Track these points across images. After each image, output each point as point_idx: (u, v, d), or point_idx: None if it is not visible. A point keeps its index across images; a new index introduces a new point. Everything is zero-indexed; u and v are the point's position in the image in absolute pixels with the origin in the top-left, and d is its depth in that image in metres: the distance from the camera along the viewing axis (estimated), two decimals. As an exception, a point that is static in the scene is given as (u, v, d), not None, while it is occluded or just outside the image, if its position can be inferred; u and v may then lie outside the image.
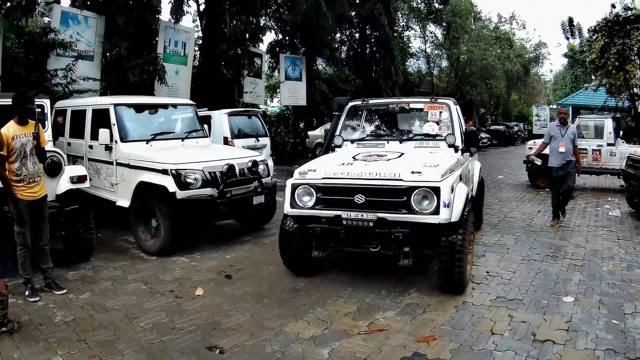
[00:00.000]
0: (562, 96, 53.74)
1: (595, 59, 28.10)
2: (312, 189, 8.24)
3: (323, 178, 8.20)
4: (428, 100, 10.30)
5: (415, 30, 52.12)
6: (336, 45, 39.89)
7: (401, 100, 11.13)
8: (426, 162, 8.15)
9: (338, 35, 39.82)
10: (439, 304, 7.74)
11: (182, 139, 12.29)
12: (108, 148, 11.32)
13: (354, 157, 8.96)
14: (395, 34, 41.23)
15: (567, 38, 62.97)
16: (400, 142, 9.81)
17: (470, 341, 6.46)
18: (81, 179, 9.71)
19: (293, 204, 8.37)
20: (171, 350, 6.30)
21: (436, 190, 7.47)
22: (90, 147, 12.13)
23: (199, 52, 27.52)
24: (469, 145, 9.84)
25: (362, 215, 7.84)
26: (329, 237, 8.32)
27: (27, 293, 8.01)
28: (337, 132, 10.35)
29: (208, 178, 10.34)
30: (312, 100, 34.28)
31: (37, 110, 9.34)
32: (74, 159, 12.56)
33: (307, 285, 8.58)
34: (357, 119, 10.97)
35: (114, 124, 11.33)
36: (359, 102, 10.86)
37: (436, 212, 7.46)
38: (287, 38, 34.17)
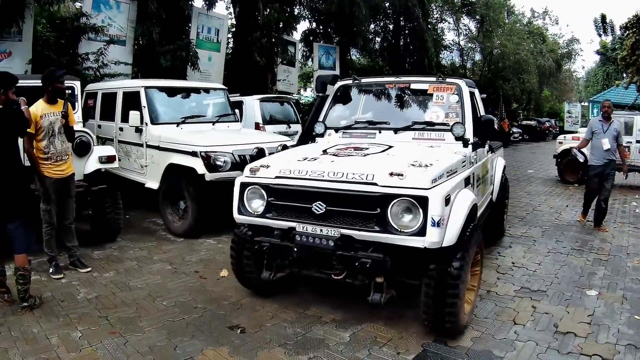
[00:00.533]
0: (594, 93, 53.26)
1: (626, 56, 27.83)
2: (262, 191, 6.34)
3: (276, 177, 6.24)
4: (434, 79, 8.18)
5: (449, 23, 51.77)
6: (370, 36, 39.69)
7: (401, 79, 8.58)
8: (417, 159, 6.09)
9: (372, 26, 39.60)
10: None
11: (213, 123, 12.23)
12: (138, 130, 11.41)
13: (324, 151, 6.92)
14: (429, 25, 41.02)
15: (600, 35, 62.38)
16: (395, 132, 7.70)
17: (492, 330, 6.44)
18: (110, 159, 9.73)
19: (241, 210, 6.54)
20: (192, 328, 6.34)
21: (422, 202, 5.40)
22: (121, 129, 12.17)
23: (232, 40, 27.43)
24: (486, 137, 8.15)
25: (320, 231, 5.84)
26: (281, 255, 6.42)
27: (51, 270, 8.16)
28: (321, 118, 8.49)
29: (237, 161, 10.15)
30: (345, 90, 33.59)
31: (67, 91, 9.38)
32: (103, 141, 12.59)
33: None
34: (347, 102, 9.08)
35: (144, 106, 11.35)
36: (349, 81, 8.79)
37: (422, 232, 5.37)
38: (321, 27, 33.87)
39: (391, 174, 5.61)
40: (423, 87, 8.25)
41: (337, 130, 8.26)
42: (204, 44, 21.71)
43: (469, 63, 56.44)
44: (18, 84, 7.10)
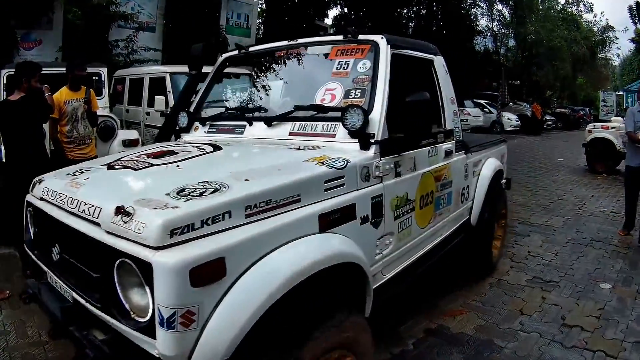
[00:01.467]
0: (629, 82, 52.71)
1: (661, 44, 27.50)
2: (29, 215, 4.29)
3: (40, 198, 3.98)
4: (340, 38, 5.11)
5: (482, 8, 51.53)
6: (403, 22, 39.63)
7: (297, 42, 5.52)
8: (217, 177, 3.31)
9: (405, 11, 39.56)
10: (473, 281, 7.44)
11: None
12: (163, 115, 11.26)
13: (118, 159, 4.37)
14: (462, 11, 40.90)
15: (635, 23, 61.56)
16: (269, 125, 4.90)
17: (497, 319, 6.30)
18: (133, 142, 9.87)
19: (25, 237, 4.40)
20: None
21: (147, 272, 2.63)
22: (147, 113, 12.29)
23: (262, 25, 27.39)
24: (418, 131, 4.70)
25: (59, 287, 3.67)
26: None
27: None
28: (194, 106, 6.14)
29: None
30: (375, 75, 33.65)
31: (94, 77, 9.62)
32: (132, 125, 12.81)
33: None
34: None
35: (169, 92, 11.47)
36: (234, 53, 6.25)
37: (150, 329, 2.68)
38: (352, 12, 33.59)
39: (118, 211, 2.92)
40: (324, 50, 5.26)
41: (204, 123, 5.75)
42: (234, 29, 21.87)
43: (502, 49, 56.14)
44: (44, 72, 7.31)
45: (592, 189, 15.23)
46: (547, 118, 40.48)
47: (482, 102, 36.77)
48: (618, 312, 6.63)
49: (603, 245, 9.60)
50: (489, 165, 7.30)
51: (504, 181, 8.28)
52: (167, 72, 11.93)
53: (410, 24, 40.67)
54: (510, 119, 34.89)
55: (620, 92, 49.33)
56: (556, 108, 53.15)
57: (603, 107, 50.64)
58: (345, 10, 33.45)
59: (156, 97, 11.33)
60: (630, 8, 59.94)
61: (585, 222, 11.46)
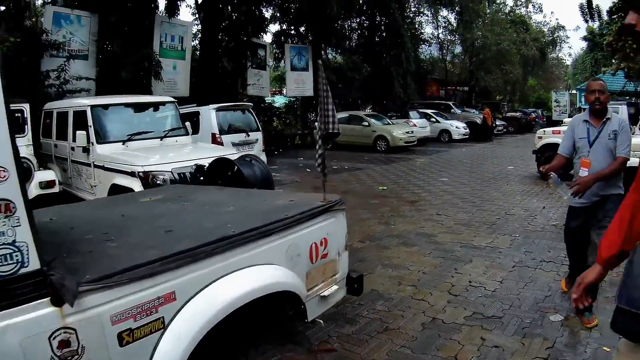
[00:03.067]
0: (582, 81, 53.35)
1: (613, 41, 27.79)
2: None
3: None
4: None
5: (427, 16, 51.98)
6: (346, 33, 39.77)
7: None
8: None
9: (347, 22, 39.67)
10: (405, 320, 6.74)
11: (161, 138, 12.09)
12: (86, 150, 11.26)
13: None
14: (406, 20, 41.06)
15: (586, 21, 62.23)
16: None
17: None
18: (50, 184, 10.00)
19: None
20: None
21: None
22: (72, 148, 12.09)
23: (199, 46, 27.49)
24: None
25: None
26: None
27: None
28: None
29: (177, 179, 9.90)
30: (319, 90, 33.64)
31: (16, 115, 9.46)
32: (59, 161, 12.81)
33: None
34: None
35: (90, 126, 11.29)
36: None
37: None
38: (292, 28, 34.01)
39: None
40: None
41: None
42: (168, 52, 21.71)
43: (448, 56, 56.66)
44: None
45: (544, 200, 14.97)
46: (497, 123, 40.67)
47: (429, 111, 36.99)
48: (569, 350, 6.14)
49: (554, 267, 9.07)
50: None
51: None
52: (87, 105, 11.65)
53: (353, 35, 40.79)
54: (458, 127, 35.04)
55: (574, 91, 49.89)
56: (507, 112, 53.63)
57: (556, 107, 51.14)
58: (285, 26, 33.81)
59: (77, 132, 11.10)
60: (581, 6, 60.61)
61: (535, 239, 10.93)
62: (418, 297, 7.47)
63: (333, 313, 6.65)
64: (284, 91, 36.68)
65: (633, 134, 16.95)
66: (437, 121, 35.73)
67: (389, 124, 30.47)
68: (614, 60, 31.33)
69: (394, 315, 6.87)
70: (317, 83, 25.56)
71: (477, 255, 9.58)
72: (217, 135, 16.08)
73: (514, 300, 7.48)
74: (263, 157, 15.62)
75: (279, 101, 40.59)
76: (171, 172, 9.89)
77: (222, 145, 15.27)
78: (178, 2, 22.60)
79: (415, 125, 32.03)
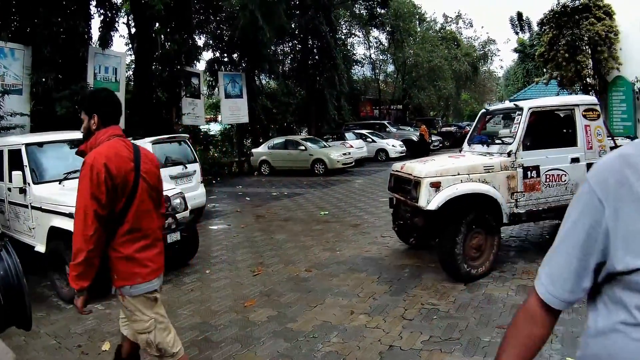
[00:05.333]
0: (514, 92, 54.67)
1: (544, 52, 28.75)
2: None
3: None
4: None
5: (358, 37, 52.91)
6: (280, 58, 40.37)
7: None
8: None
9: (280, 47, 40.22)
10: (362, 351, 6.64)
11: None
12: (22, 191, 10.93)
13: None
14: (338, 42, 41.69)
15: (517, 33, 63.97)
16: None
17: None
18: None
19: None
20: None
21: None
22: (9, 189, 11.67)
23: (133, 77, 27.53)
24: None
25: None
26: None
27: None
28: None
29: None
30: (255, 116, 34.39)
31: None
32: None
33: (222, 332, 7.63)
34: None
35: (26, 165, 11.03)
36: None
37: None
38: (225, 55, 34.34)
39: None
40: None
41: None
42: (102, 84, 21.40)
43: (381, 76, 57.48)
44: None
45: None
46: (433, 139, 41.42)
47: (364, 132, 37.56)
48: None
49: (506, 282, 9.10)
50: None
51: None
52: (22, 144, 11.27)
53: (286, 59, 41.26)
54: (394, 146, 35.57)
55: (507, 102, 51.05)
56: (442, 127, 54.50)
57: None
58: (218, 53, 34.27)
59: (13, 172, 10.69)
60: (511, 19, 62.25)
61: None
62: (372, 325, 7.39)
63: (287, 348, 6.80)
64: (219, 118, 36.77)
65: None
66: (373, 141, 36.36)
67: (325, 146, 30.93)
68: (545, 70, 32.27)
69: (349, 347, 6.78)
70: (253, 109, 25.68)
71: (427, 276, 9.61)
72: None
73: (469, 319, 7.47)
74: (201, 189, 16.25)
75: (215, 129, 40.93)
76: None
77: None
78: (111, 33, 22.47)
79: (351, 146, 32.68)
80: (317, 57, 37.50)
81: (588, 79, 28.75)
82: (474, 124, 12.32)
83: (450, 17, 65.89)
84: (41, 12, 18.78)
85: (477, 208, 9.36)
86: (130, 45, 29.42)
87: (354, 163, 30.34)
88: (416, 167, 9.75)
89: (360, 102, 53.69)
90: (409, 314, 7.77)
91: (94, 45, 21.95)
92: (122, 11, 24.84)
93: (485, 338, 6.73)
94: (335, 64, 37.00)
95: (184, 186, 15.02)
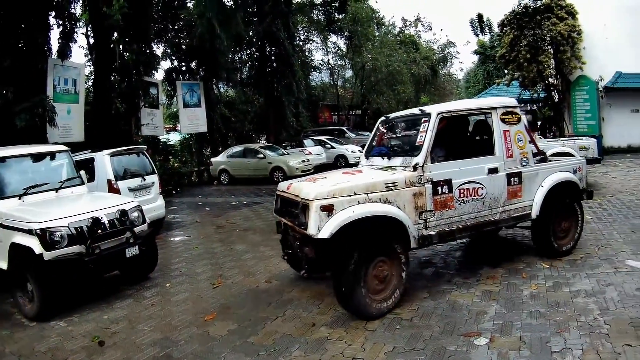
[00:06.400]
0: (475, 93, 55.67)
1: (506, 53, 29.63)
2: None
3: None
4: None
5: (316, 43, 53.46)
6: (238, 66, 40.77)
7: None
8: None
9: (238, 55, 40.62)
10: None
11: (56, 190, 11.74)
12: None
13: None
14: (296, 48, 42.15)
15: (477, 35, 65.31)
16: None
17: None
18: None
19: None
20: None
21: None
22: None
23: (92, 88, 27.53)
24: None
25: None
26: None
27: None
28: None
29: (74, 234, 9.67)
30: (213, 125, 34.71)
31: None
32: None
33: (183, 347, 7.66)
34: None
35: None
36: None
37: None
38: (183, 64, 34.46)
39: None
40: None
41: None
42: (62, 96, 21.71)
43: (340, 81, 57.89)
44: None
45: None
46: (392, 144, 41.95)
47: (323, 138, 37.97)
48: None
49: (471, 288, 9.04)
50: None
51: None
52: None
53: (244, 67, 41.64)
54: (354, 151, 35.86)
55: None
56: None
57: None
58: (176, 62, 34.36)
59: None
60: (471, 21, 63.47)
61: (440, 260, 11.16)
62: (334, 338, 7.37)
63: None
64: (179, 127, 36.89)
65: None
66: (332, 147, 36.76)
67: (284, 154, 31.34)
68: (506, 71, 33.04)
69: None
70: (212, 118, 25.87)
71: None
72: (112, 182, 15.79)
73: (433, 328, 7.42)
74: (160, 200, 16.44)
75: (174, 138, 41.21)
76: (68, 227, 9.67)
77: (119, 192, 15.23)
78: (70, 44, 22.29)
79: (310, 153, 33.11)
80: (275, 64, 37.81)
81: (550, 79, 29.63)
82: (372, 133, 10.91)
83: (409, 21, 66.77)
84: (-1, 24, 18.86)
85: (380, 232, 8.27)
86: (89, 57, 29.42)
87: (313, 170, 30.16)
88: (304, 188, 8.42)
89: (319, 108, 54.31)
90: (371, 324, 7.71)
91: (53, 57, 21.87)
92: (81, 22, 25.03)
93: (450, 347, 6.73)
94: (293, 70, 37.37)
95: (143, 198, 15.35)
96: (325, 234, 7.58)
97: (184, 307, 9.45)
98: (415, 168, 8.51)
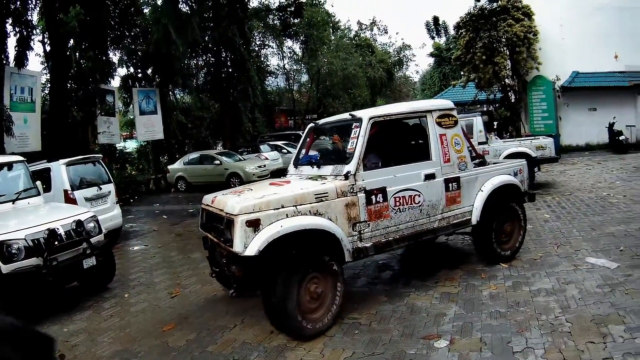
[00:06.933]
0: (432, 95, 56.30)
1: (461, 55, 30.15)
2: None
3: None
4: None
5: (272, 48, 53.57)
6: (194, 72, 40.88)
7: None
8: None
9: (193, 61, 40.83)
10: None
11: (13, 201, 11.68)
12: None
13: None
14: (252, 53, 42.39)
15: (433, 37, 66.21)
16: None
17: None
18: None
19: None
20: None
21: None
22: None
23: (49, 96, 27.45)
24: None
25: None
26: None
27: None
28: None
29: (31, 246, 9.50)
30: (170, 132, 34.93)
31: None
32: None
33: (142, 359, 7.64)
34: None
35: None
36: None
37: None
38: (139, 70, 34.40)
39: None
40: None
41: None
42: (18, 105, 21.71)
43: (295, 86, 58.19)
44: None
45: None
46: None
47: (279, 143, 38.04)
48: (465, 373, 6.27)
49: (429, 289, 9.00)
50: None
51: None
52: None
53: (200, 73, 41.94)
54: (309, 157, 35.82)
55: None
56: (357, 135, 55.42)
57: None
58: (132, 69, 34.26)
59: None
60: (427, 23, 64.35)
61: (408, 262, 11.26)
62: (292, 345, 7.30)
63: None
64: (135, 135, 36.82)
65: (489, 142, 18.08)
66: (289, 152, 36.34)
67: (240, 160, 31.50)
68: (462, 73, 33.55)
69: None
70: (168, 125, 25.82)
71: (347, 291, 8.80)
72: (69, 192, 15.68)
73: (392, 331, 7.35)
74: (117, 210, 16.48)
75: (131, 146, 41.17)
76: (25, 239, 9.50)
77: (75, 202, 15.15)
78: (27, 52, 22.30)
79: (267, 158, 33.20)
80: (230, 69, 37.90)
81: (506, 80, 30.23)
82: (301, 141, 10.60)
83: (365, 24, 67.30)
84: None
85: (311, 247, 7.76)
86: (45, 64, 29.45)
87: (269, 175, 30.05)
88: (229, 201, 7.86)
89: (275, 113, 54.59)
90: (330, 331, 7.56)
91: (10, 65, 21.89)
92: (38, 29, 25.02)
93: (410, 351, 6.66)
94: (249, 76, 37.46)
95: (99, 208, 15.38)
96: (252, 251, 7.07)
97: (143, 318, 9.39)
98: (346, 177, 8.03)
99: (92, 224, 10.97)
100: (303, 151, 10.15)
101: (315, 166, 9.10)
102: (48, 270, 9.43)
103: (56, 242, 9.76)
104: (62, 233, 10.03)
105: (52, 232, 9.71)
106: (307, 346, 7.16)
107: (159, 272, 12.69)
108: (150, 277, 12.26)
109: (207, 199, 8.87)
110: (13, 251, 9.25)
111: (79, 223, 10.46)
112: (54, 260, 9.60)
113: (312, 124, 10.58)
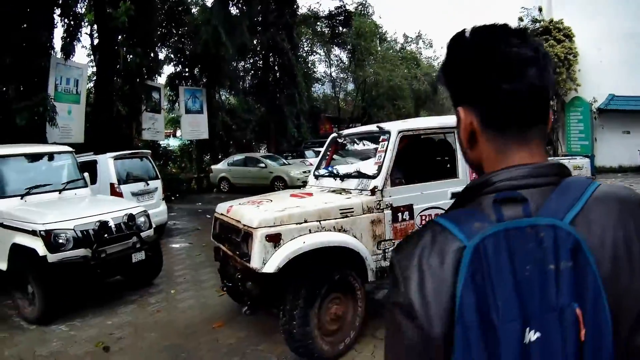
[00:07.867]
0: (473, 111, 55.51)
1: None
2: None
3: None
4: None
5: (320, 55, 53.30)
6: (241, 74, 40.50)
7: None
8: None
9: (242, 64, 40.34)
10: None
11: (60, 191, 11.45)
12: None
13: None
14: (299, 59, 41.93)
15: (475, 52, 65.07)
16: None
17: None
18: None
19: None
20: None
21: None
22: None
23: (94, 89, 27.30)
24: None
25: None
26: None
27: None
28: None
29: (80, 237, 9.40)
30: (214, 132, 34.50)
31: None
32: None
33: (193, 354, 7.50)
34: None
35: None
36: None
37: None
38: (187, 69, 34.33)
39: None
40: None
41: None
42: (63, 96, 21.40)
43: (341, 94, 57.83)
44: None
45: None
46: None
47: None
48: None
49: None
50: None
51: None
52: None
53: (247, 76, 41.37)
54: (352, 166, 35.22)
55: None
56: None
57: (450, 137, 52.86)
58: (179, 68, 34.27)
59: None
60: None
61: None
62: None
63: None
64: (178, 133, 36.48)
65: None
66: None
67: (285, 164, 30.94)
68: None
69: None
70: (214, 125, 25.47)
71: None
72: (115, 186, 15.43)
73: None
74: (163, 206, 16.20)
75: (173, 144, 41.06)
76: (73, 229, 9.39)
77: (122, 196, 14.90)
78: (74, 43, 21.94)
79: (311, 164, 32.18)
80: (277, 74, 37.67)
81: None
82: (322, 151, 9.80)
83: (411, 38, 66.84)
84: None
85: (334, 265, 7.09)
86: (92, 57, 29.37)
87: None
88: (246, 213, 7.21)
89: (320, 119, 54.04)
90: (358, 345, 7.29)
91: (56, 55, 21.57)
92: (86, 21, 24.67)
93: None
94: (296, 81, 37.23)
95: (146, 203, 14.85)
96: (271, 268, 6.43)
97: (191, 314, 9.27)
98: (373, 192, 7.42)
99: (142, 219, 10.90)
100: (324, 162, 9.40)
101: (338, 179, 8.42)
102: (96, 262, 9.36)
103: (106, 235, 9.67)
104: (113, 226, 9.92)
105: (102, 224, 9.62)
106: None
107: (205, 270, 12.31)
108: (196, 275, 12.11)
109: (222, 207, 8.30)
110: (60, 241, 9.15)
111: (131, 217, 10.37)
112: (103, 252, 9.54)
113: (334, 134, 9.82)
